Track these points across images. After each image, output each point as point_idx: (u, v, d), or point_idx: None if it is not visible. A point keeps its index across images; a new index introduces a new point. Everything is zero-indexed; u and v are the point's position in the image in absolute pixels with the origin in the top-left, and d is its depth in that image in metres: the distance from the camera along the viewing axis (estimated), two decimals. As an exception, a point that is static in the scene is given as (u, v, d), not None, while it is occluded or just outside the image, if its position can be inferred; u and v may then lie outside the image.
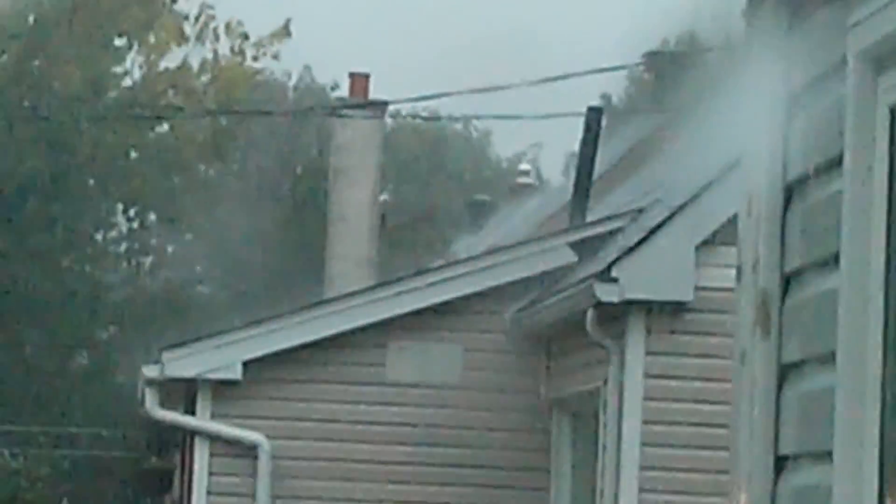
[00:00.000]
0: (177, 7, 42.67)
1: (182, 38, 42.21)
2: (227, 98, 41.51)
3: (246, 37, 42.51)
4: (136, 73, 42.92)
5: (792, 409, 3.68)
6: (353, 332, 13.77)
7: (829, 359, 3.34)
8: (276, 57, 43.10)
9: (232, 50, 42.83)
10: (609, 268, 11.57)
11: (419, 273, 16.05)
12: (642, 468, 11.49)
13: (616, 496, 11.55)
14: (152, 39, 41.98)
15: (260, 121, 41.45)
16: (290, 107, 43.95)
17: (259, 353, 13.38)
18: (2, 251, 38.06)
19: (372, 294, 14.64)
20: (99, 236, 43.03)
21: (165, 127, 42.04)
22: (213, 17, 42.33)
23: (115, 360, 37.78)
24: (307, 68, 46.03)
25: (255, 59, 43.05)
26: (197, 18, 42.19)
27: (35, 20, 41.40)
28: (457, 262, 16.95)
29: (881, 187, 3.17)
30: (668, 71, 23.73)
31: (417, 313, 13.74)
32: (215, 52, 42.70)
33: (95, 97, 40.51)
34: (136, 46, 42.09)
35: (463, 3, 63.17)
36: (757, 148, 4.04)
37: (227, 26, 42.48)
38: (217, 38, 42.59)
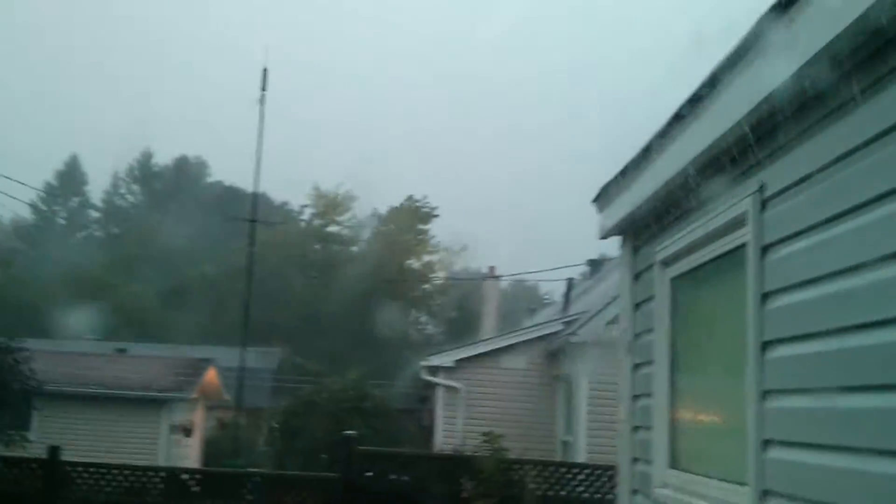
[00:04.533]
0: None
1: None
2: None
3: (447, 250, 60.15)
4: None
5: (638, 379, 5.76)
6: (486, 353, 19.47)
7: (650, 363, 5.39)
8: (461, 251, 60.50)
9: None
10: (570, 335, 17.04)
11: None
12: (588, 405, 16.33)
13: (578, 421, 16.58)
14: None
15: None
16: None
17: (461, 356, 19.44)
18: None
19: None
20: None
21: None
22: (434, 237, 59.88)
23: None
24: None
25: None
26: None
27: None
28: (526, 328, 22.48)
29: (666, 312, 5.21)
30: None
31: (511, 346, 19.57)
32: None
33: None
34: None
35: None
36: (624, 303, 6.11)
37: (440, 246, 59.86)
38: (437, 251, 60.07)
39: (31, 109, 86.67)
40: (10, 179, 41.19)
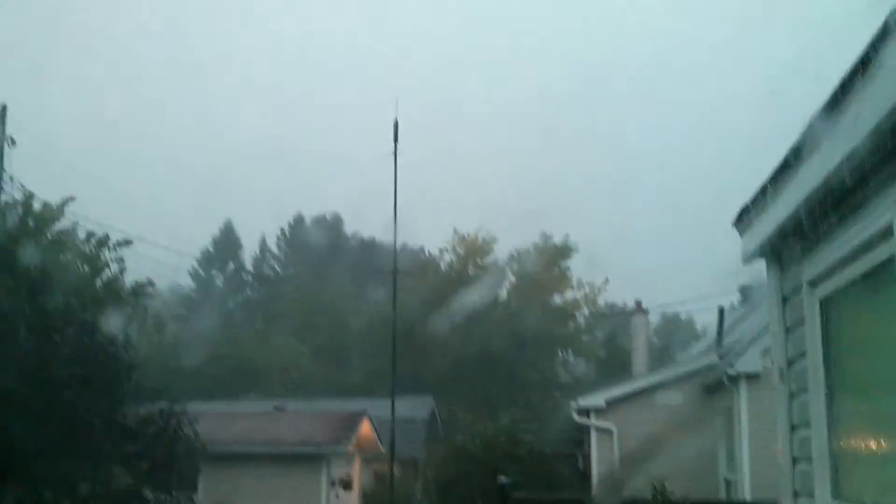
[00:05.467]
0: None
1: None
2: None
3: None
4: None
5: (795, 409, 5.52)
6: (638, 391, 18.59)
7: (805, 391, 5.17)
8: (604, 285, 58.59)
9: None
10: (730, 363, 16.42)
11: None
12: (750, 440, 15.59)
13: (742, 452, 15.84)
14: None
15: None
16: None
17: (613, 396, 19.05)
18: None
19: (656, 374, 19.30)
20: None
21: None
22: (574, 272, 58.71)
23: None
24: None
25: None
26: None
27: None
28: (679, 362, 21.41)
29: (818, 335, 4.97)
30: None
31: (665, 382, 19.03)
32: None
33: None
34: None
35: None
36: (774, 329, 5.90)
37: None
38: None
39: (185, 182, 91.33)
40: (169, 249, 43.53)
